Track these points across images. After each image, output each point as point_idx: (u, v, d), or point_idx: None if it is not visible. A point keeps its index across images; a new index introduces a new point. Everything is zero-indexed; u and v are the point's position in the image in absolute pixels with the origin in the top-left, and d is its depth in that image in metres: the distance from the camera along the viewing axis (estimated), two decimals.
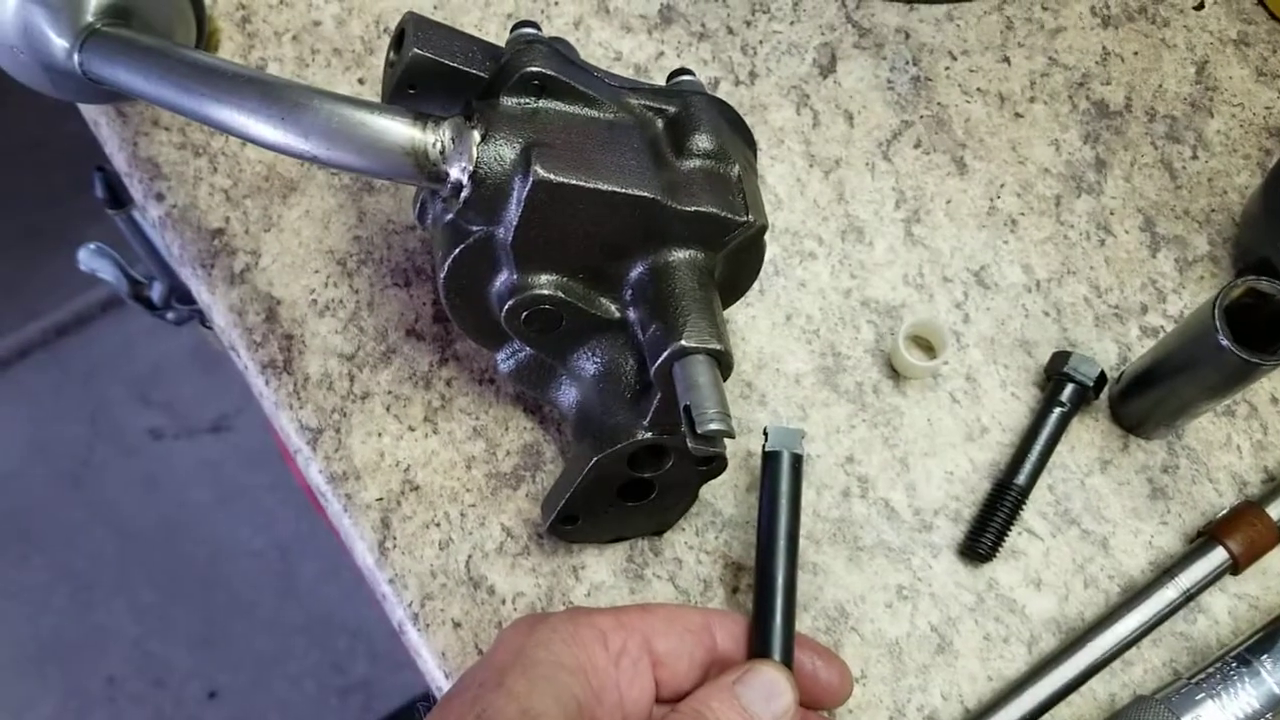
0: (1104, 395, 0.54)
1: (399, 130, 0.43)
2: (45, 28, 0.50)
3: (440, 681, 0.51)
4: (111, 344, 1.77)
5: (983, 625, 0.51)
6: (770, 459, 0.48)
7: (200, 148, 0.58)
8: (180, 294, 0.77)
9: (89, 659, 1.61)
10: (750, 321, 0.55)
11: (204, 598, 1.64)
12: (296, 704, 1.59)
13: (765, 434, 0.48)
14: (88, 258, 0.76)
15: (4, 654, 1.61)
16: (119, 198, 0.71)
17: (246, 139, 0.44)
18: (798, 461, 0.48)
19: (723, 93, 0.60)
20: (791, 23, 0.61)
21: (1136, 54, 0.62)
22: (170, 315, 0.79)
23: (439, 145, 0.43)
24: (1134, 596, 0.50)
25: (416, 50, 0.43)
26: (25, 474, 1.70)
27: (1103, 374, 0.53)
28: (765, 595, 0.47)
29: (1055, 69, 0.61)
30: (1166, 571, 0.50)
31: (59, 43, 0.50)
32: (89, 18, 0.50)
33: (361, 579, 0.53)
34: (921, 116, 0.60)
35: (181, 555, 1.66)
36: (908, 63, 0.61)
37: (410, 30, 0.43)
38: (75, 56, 0.50)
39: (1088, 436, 0.54)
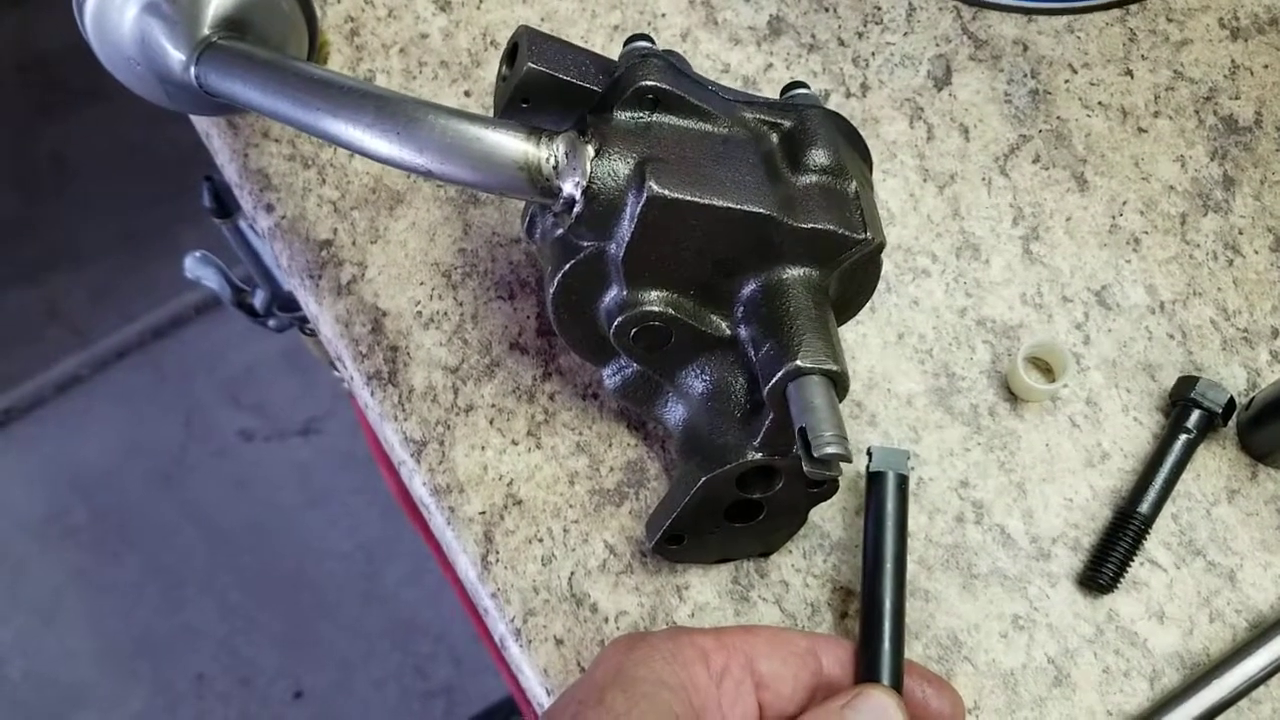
0: (1231, 422, 0.52)
1: (513, 145, 0.42)
2: (163, 40, 0.51)
3: (542, 698, 0.50)
4: (205, 346, 1.81)
5: (1102, 658, 0.49)
6: (875, 480, 0.47)
7: (309, 159, 0.58)
8: (282, 301, 0.78)
9: (178, 656, 1.64)
10: (861, 340, 0.54)
11: (291, 599, 1.66)
12: (379, 707, 1.60)
13: (869, 454, 0.47)
14: (194, 266, 0.77)
15: (96, 649, 1.65)
16: (225, 207, 0.71)
17: (362, 153, 0.44)
18: (903, 483, 0.47)
19: (833, 105, 0.58)
20: (905, 34, 0.60)
21: (1267, 67, 0.59)
22: (272, 322, 0.80)
23: (552, 160, 0.42)
24: (1263, 633, 0.48)
25: (530, 65, 0.42)
26: (121, 473, 1.74)
27: (1231, 400, 0.51)
28: (872, 618, 0.45)
29: (1181, 83, 0.59)
30: None
31: (175, 55, 0.50)
32: (205, 31, 0.51)
33: (444, 584, 0.53)
34: (1040, 131, 0.58)
35: (270, 556, 1.68)
36: (1026, 75, 0.59)
37: (524, 44, 0.43)
38: (191, 69, 0.50)
39: (1214, 465, 0.52)
